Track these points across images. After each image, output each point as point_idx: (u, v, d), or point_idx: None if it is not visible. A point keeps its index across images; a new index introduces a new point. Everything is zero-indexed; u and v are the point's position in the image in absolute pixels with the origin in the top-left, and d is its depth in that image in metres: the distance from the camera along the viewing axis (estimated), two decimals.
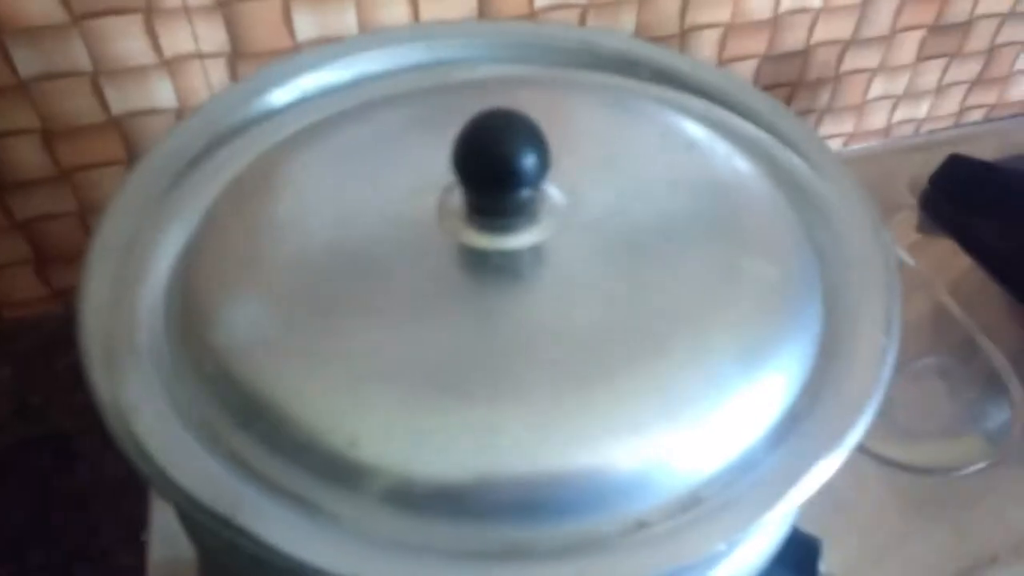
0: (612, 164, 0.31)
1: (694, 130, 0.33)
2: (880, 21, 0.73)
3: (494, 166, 0.26)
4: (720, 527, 0.24)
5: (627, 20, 0.64)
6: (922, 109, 0.82)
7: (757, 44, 0.70)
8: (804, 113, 0.78)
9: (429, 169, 0.29)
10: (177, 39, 0.54)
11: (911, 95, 0.80)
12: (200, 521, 0.22)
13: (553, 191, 0.29)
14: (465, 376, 0.25)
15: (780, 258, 0.29)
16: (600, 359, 0.26)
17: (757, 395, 0.27)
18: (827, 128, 0.80)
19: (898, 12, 0.72)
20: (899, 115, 0.82)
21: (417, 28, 0.38)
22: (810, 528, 0.38)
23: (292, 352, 0.25)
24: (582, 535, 0.24)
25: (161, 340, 0.27)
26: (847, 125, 0.81)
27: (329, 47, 0.37)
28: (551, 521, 0.24)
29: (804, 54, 0.73)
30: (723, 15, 0.67)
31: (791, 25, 0.70)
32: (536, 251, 0.28)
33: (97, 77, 0.53)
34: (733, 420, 0.26)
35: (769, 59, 0.72)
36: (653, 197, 0.30)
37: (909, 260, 0.55)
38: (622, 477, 0.25)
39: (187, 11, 0.53)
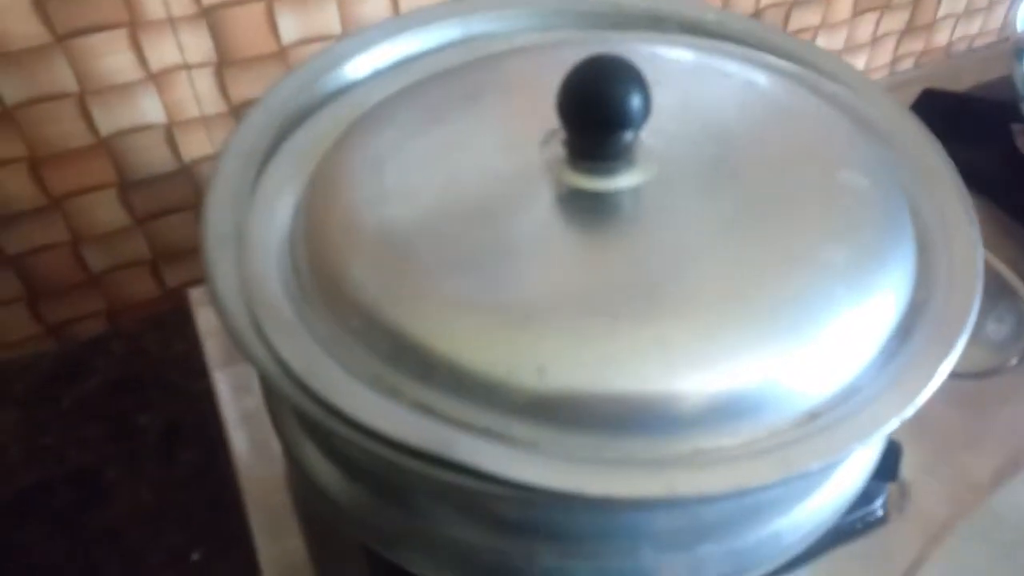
0: (688, 108, 0.33)
1: (746, 70, 0.35)
2: None
3: (602, 108, 0.27)
4: (847, 436, 0.25)
5: None
6: (860, 61, 0.87)
7: None
8: None
9: (519, 124, 0.30)
10: (163, 51, 0.53)
11: (849, 48, 0.85)
12: (410, 467, 0.22)
13: (653, 141, 0.30)
14: (617, 301, 0.26)
15: (869, 171, 0.31)
16: (725, 281, 0.27)
17: (870, 309, 0.28)
18: None
19: None
20: None
21: (450, 6, 0.38)
22: None
23: (446, 299, 0.25)
24: (744, 440, 0.25)
25: (295, 306, 0.27)
26: None
27: (368, 30, 0.37)
28: (713, 429, 0.25)
29: (756, 16, 0.76)
30: None
31: None
32: (639, 191, 0.29)
33: (83, 97, 0.52)
34: (840, 343, 0.27)
35: None
36: (733, 131, 0.32)
37: None
38: (762, 390, 0.26)
39: (171, 21, 0.52)
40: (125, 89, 0.53)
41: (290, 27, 0.55)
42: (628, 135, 0.29)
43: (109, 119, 0.53)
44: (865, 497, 0.38)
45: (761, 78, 0.34)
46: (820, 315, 0.27)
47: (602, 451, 0.23)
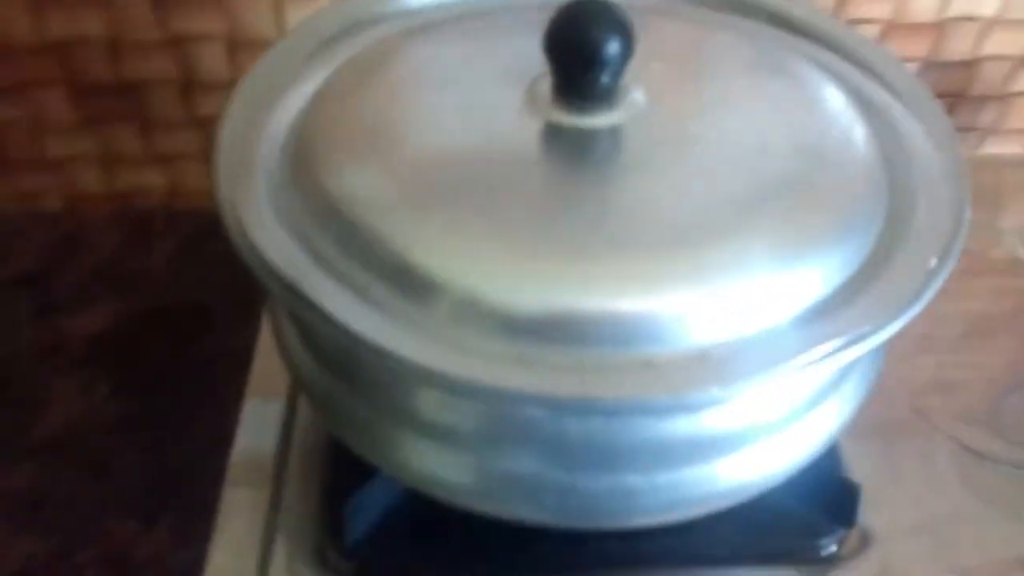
0: (702, 77, 0.34)
1: (788, 61, 0.35)
2: None
3: (579, 47, 0.30)
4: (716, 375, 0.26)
5: None
6: None
7: (918, 47, 0.69)
8: (966, 130, 0.75)
9: (524, 62, 0.33)
10: None
11: None
12: (272, 289, 0.27)
13: (638, 90, 0.32)
14: (551, 232, 0.29)
15: (844, 179, 0.31)
16: (653, 228, 0.30)
17: (785, 283, 0.28)
18: (991, 149, 0.77)
19: None
20: None
21: None
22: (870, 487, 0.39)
23: (419, 208, 0.30)
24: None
25: (279, 165, 0.32)
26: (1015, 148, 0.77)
27: None
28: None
29: (970, 65, 0.71)
30: (883, 11, 0.66)
31: (957, 32, 0.68)
32: (612, 133, 0.32)
33: None
34: (758, 296, 0.28)
35: (932, 65, 0.70)
36: (730, 108, 0.33)
37: None
38: (645, 322, 0.27)
39: None
40: None
41: None
42: (606, 76, 0.31)
43: None
44: (812, 528, 0.38)
45: (798, 71, 0.35)
46: (739, 267, 0.28)
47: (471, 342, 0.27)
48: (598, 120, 0.32)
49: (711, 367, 0.26)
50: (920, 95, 0.34)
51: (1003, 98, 0.73)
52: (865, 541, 0.39)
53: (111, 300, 0.65)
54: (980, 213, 0.54)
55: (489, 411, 0.31)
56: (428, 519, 0.36)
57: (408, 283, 0.28)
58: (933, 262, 0.29)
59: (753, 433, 0.32)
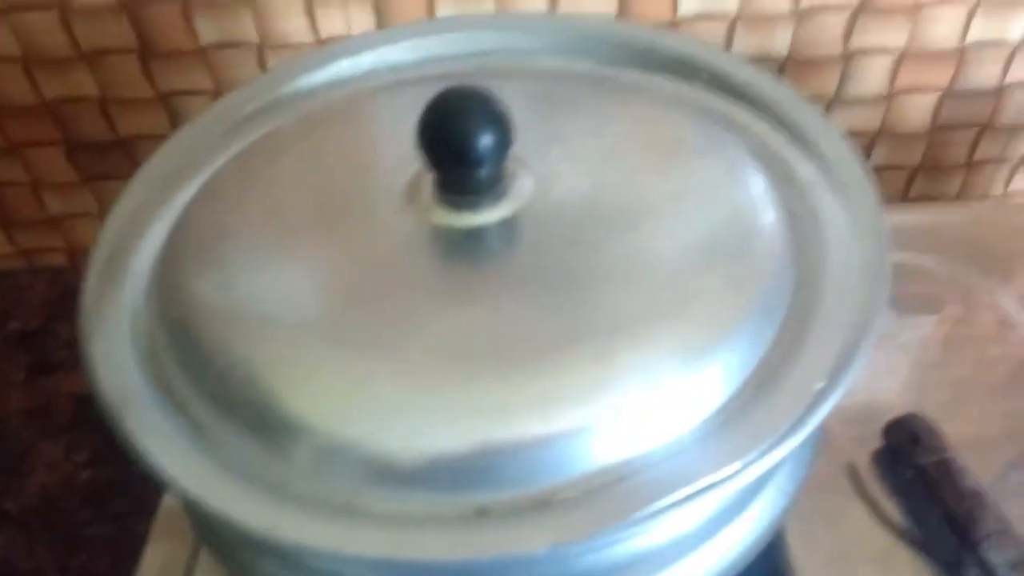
0: (608, 158, 0.31)
1: (707, 138, 0.32)
2: None
3: (449, 142, 0.27)
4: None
5: (781, 37, 0.61)
6: None
7: (938, 77, 0.64)
8: (993, 163, 0.69)
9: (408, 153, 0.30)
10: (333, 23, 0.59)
11: None
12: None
13: (527, 179, 0.29)
14: (414, 353, 0.26)
15: (745, 280, 0.28)
16: (532, 343, 0.26)
17: (689, 385, 0.25)
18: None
19: None
20: None
21: (495, 17, 0.39)
22: None
23: (256, 325, 0.27)
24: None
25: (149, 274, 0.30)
26: None
27: (398, 29, 0.39)
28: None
29: (996, 93, 0.65)
30: (898, 39, 0.61)
31: (981, 59, 0.63)
32: (497, 230, 0.29)
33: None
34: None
35: (952, 95, 0.65)
36: (632, 195, 0.29)
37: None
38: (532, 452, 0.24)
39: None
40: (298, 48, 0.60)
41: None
42: (483, 170, 0.28)
43: None
44: None
45: (715, 151, 0.31)
46: (624, 385, 0.25)
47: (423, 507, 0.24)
48: (481, 217, 0.28)
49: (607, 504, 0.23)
50: (859, 178, 0.30)
51: None
52: None
53: None
54: (986, 271, 0.51)
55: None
56: None
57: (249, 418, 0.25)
58: (820, 384, 0.25)
59: (672, 552, 0.29)
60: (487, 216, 0.29)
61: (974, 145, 0.68)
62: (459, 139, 0.27)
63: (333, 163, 0.32)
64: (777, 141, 0.33)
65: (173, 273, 0.30)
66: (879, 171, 0.69)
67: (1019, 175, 0.70)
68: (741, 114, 0.34)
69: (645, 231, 0.29)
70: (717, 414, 0.25)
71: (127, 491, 0.58)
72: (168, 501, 0.44)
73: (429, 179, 0.29)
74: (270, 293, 0.28)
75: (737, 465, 0.24)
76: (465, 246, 0.29)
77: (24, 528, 0.58)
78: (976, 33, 0.61)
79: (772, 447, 0.24)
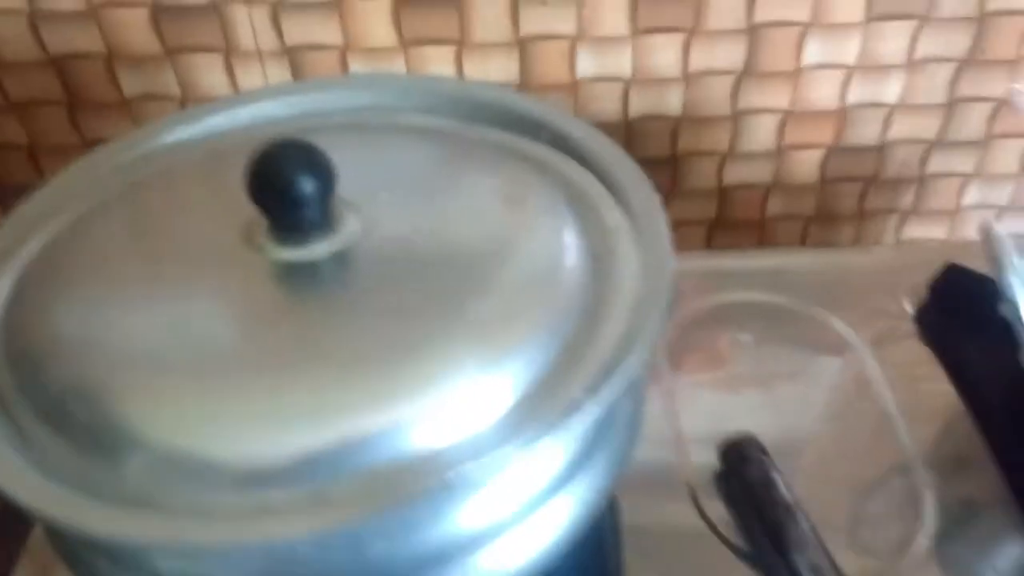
0: (429, 204, 0.35)
1: (528, 188, 0.36)
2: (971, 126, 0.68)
3: (275, 190, 0.31)
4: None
5: (673, 98, 0.66)
6: None
7: (822, 135, 0.68)
8: (883, 212, 0.74)
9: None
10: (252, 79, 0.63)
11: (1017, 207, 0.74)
12: None
13: (354, 218, 0.33)
14: (237, 369, 0.30)
15: (534, 307, 0.31)
16: (349, 357, 0.30)
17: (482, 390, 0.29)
18: (914, 231, 0.75)
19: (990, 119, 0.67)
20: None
21: (365, 77, 0.43)
22: None
23: (95, 350, 0.30)
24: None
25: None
26: (938, 231, 0.75)
27: (277, 86, 0.43)
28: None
29: (879, 150, 0.69)
30: (780, 101, 0.66)
31: (862, 119, 0.67)
32: (327, 263, 0.32)
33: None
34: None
35: (837, 151, 0.69)
36: (449, 233, 0.33)
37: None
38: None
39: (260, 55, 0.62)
40: None
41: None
42: (309, 212, 0.31)
43: None
44: None
45: (534, 203, 0.35)
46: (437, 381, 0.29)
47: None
48: (309, 252, 0.32)
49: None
50: (656, 225, 0.34)
51: (922, 180, 0.71)
52: None
53: None
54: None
55: (199, 560, 0.30)
56: None
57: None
58: (578, 395, 0.28)
59: (479, 538, 0.32)
60: (315, 251, 0.32)
61: (862, 196, 0.72)
62: (280, 184, 0.31)
63: (181, 212, 0.36)
64: (597, 192, 0.37)
65: (20, 310, 0.33)
66: (776, 220, 0.74)
67: (908, 224, 0.75)
68: (572, 168, 0.38)
69: (457, 266, 0.32)
70: (503, 420, 0.29)
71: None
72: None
73: (264, 222, 0.33)
74: (114, 326, 0.31)
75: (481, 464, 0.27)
76: (298, 278, 0.32)
77: None
78: (855, 95, 0.66)
79: (525, 448, 0.27)
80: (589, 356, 0.30)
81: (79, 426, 0.29)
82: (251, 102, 0.42)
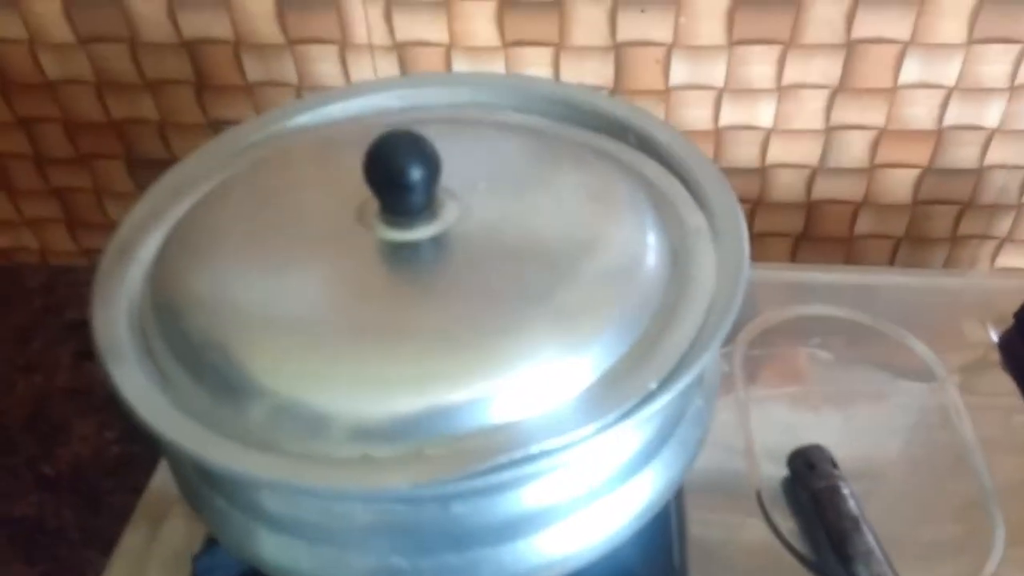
0: (522, 196, 0.37)
1: (615, 187, 0.38)
2: None
3: (389, 174, 0.34)
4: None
5: (765, 111, 0.67)
6: None
7: (917, 154, 0.68)
8: (977, 238, 0.73)
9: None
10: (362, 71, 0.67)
11: None
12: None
13: (454, 205, 0.36)
14: (352, 335, 0.33)
15: (616, 298, 0.33)
16: (447, 331, 0.33)
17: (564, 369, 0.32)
18: (1009, 260, 0.74)
19: None
20: None
21: (470, 76, 0.46)
22: None
23: (230, 311, 0.34)
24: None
25: (142, 284, 0.37)
26: None
27: (387, 80, 0.46)
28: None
29: (976, 173, 0.69)
30: (875, 118, 0.66)
31: (960, 141, 0.67)
32: (428, 245, 0.35)
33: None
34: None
35: (932, 172, 0.69)
36: (539, 224, 0.36)
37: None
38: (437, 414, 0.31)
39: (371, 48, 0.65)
40: None
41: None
42: (416, 197, 0.34)
43: None
44: None
45: (620, 203, 0.37)
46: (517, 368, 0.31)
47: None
48: (414, 234, 0.35)
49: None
50: (735, 229, 0.36)
51: (1020, 207, 0.70)
52: None
53: None
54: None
55: (304, 502, 0.34)
56: None
57: (231, 389, 0.32)
58: (652, 385, 0.30)
59: (555, 513, 0.34)
60: (420, 233, 0.35)
61: (957, 220, 0.72)
62: (394, 170, 0.34)
63: (302, 190, 0.39)
64: (679, 194, 0.38)
65: (165, 267, 0.37)
66: (865, 239, 0.74)
67: (1003, 252, 0.74)
68: (656, 170, 0.40)
69: (544, 255, 0.35)
70: (579, 402, 0.31)
71: (146, 466, 0.65)
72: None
73: (375, 204, 0.36)
74: (243, 287, 0.35)
75: (561, 440, 0.29)
76: (402, 257, 0.35)
77: (55, 492, 0.66)
78: (952, 116, 0.65)
79: (601, 430, 0.29)
80: (663, 349, 0.32)
81: (212, 373, 0.32)
82: (363, 94, 0.45)
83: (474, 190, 0.36)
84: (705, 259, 0.35)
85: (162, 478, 0.50)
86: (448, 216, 0.36)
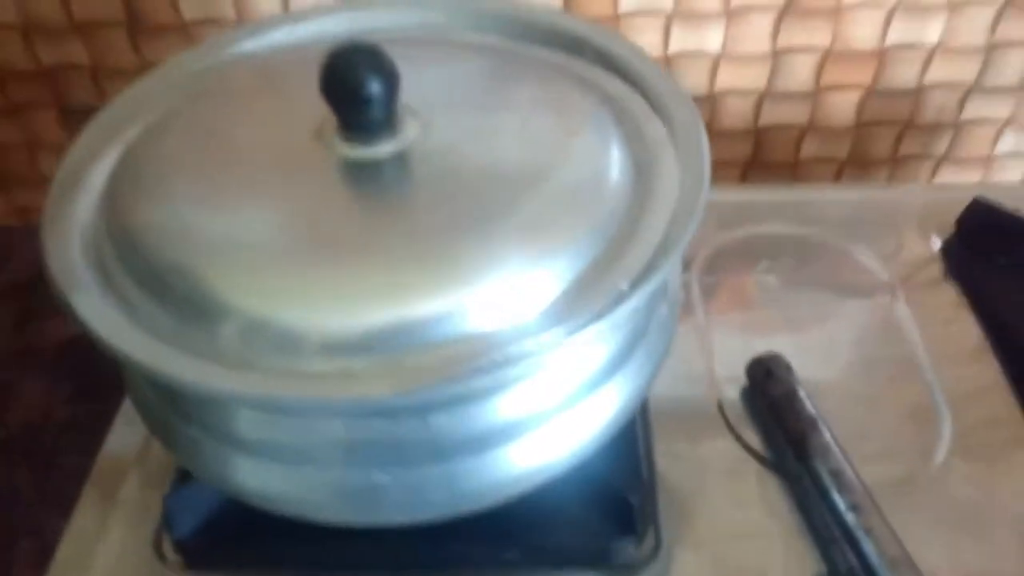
0: (483, 113, 0.37)
1: (573, 100, 0.38)
2: (1009, 72, 0.68)
3: (346, 88, 0.33)
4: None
5: (713, 35, 0.67)
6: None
7: (860, 75, 0.69)
8: (918, 158, 0.75)
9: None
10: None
11: None
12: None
13: (414, 122, 0.35)
14: (316, 249, 0.32)
15: (581, 207, 0.34)
16: (411, 244, 0.32)
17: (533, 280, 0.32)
18: (947, 177, 0.76)
19: None
20: None
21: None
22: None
23: (190, 230, 0.33)
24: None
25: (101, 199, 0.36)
26: (971, 178, 0.76)
27: (334, 5, 0.45)
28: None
29: (916, 93, 0.70)
30: (821, 39, 0.67)
31: (901, 60, 0.68)
32: (390, 162, 0.35)
33: None
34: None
35: (874, 93, 0.70)
36: (501, 139, 0.36)
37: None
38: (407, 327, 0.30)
39: None
40: None
41: None
42: (375, 111, 0.34)
43: None
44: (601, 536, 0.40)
45: (582, 118, 0.37)
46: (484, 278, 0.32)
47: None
48: (375, 151, 0.34)
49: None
50: (695, 137, 0.36)
51: (957, 126, 0.72)
52: (656, 551, 0.40)
53: None
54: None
55: (281, 423, 0.33)
56: (250, 518, 0.38)
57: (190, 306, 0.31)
58: (623, 286, 0.30)
59: (531, 421, 0.35)
60: (381, 150, 0.35)
61: (898, 141, 0.73)
62: (352, 83, 0.33)
63: (256, 114, 0.38)
64: (639, 106, 0.38)
65: (120, 196, 0.35)
66: (810, 163, 0.75)
67: (942, 170, 0.76)
68: (615, 84, 0.40)
69: (507, 170, 0.35)
70: (549, 311, 0.31)
71: (98, 426, 0.64)
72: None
73: (333, 121, 0.35)
74: (204, 210, 0.34)
75: (537, 342, 0.30)
76: (364, 175, 0.35)
77: (7, 454, 0.64)
78: (895, 35, 0.66)
79: (575, 330, 0.30)
80: (630, 256, 0.32)
81: (177, 296, 0.31)
82: (310, 19, 0.44)
83: (434, 107, 0.36)
84: (667, 169, 0.35)
85: (119, 434, 0.49)
86: (409, 133, 0.35)
